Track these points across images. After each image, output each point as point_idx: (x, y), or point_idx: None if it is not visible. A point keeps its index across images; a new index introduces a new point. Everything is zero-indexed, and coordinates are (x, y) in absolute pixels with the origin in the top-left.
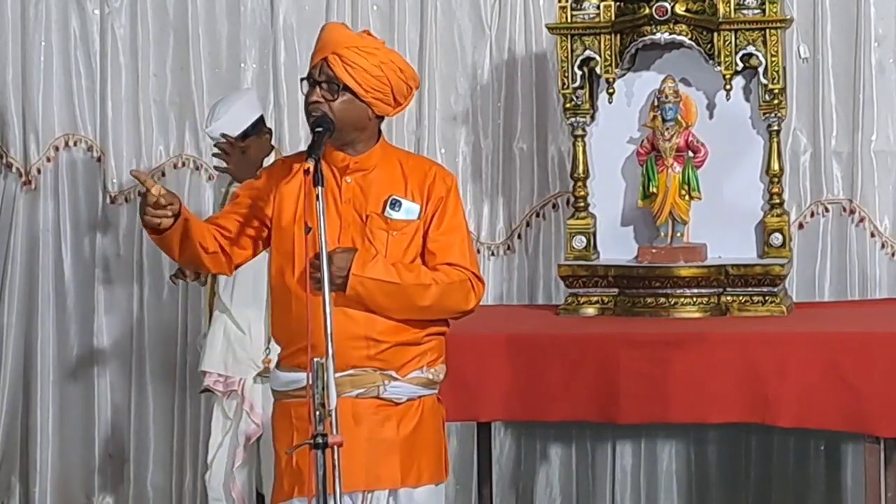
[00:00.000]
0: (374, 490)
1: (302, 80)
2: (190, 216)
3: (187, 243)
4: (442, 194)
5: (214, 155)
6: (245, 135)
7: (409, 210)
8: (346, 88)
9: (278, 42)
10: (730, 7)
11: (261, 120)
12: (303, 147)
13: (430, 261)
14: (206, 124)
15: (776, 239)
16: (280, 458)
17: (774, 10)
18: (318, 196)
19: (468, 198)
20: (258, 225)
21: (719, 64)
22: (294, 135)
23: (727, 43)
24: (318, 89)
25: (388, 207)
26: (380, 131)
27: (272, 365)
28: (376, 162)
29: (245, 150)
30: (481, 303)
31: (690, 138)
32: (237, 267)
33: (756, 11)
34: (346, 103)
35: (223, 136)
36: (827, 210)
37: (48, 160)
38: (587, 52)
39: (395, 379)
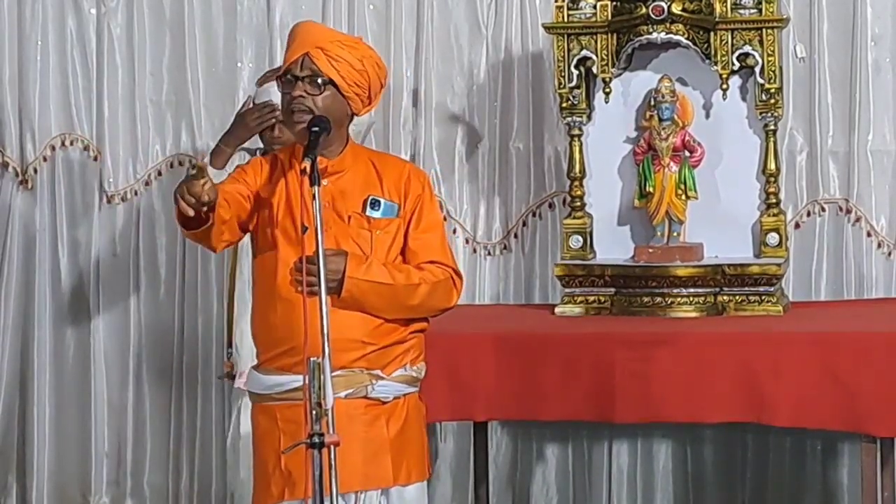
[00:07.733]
0: (369, 490)
1: (278, 78)
2: (215, 210)
3: (208, 233)
4: (419, 192)
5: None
6: None
7: (388, 209)
8: (330, 83)
9: (275, 41)
10: (726, 6)
11: None
12: None
13: (412, 259)
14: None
15: (772, 238)
16: (266, 461)
17: (771, 9)
18: (314, 195)
19: (464, 197)
20: (237, 214)
21: (716, 63)
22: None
23: (724, 42)
24: (300, 84)
25: (368, 207)
26: (348, 133)
27: (241, 368)
28: (349, 164)
29: None
30: (478, 303)
31: (687, 138)
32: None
33: (753, 11)
34: (330, 98)
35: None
36: (823, 210)
37: (45, 160)
38: (584, 52)
39: (382, 378)
